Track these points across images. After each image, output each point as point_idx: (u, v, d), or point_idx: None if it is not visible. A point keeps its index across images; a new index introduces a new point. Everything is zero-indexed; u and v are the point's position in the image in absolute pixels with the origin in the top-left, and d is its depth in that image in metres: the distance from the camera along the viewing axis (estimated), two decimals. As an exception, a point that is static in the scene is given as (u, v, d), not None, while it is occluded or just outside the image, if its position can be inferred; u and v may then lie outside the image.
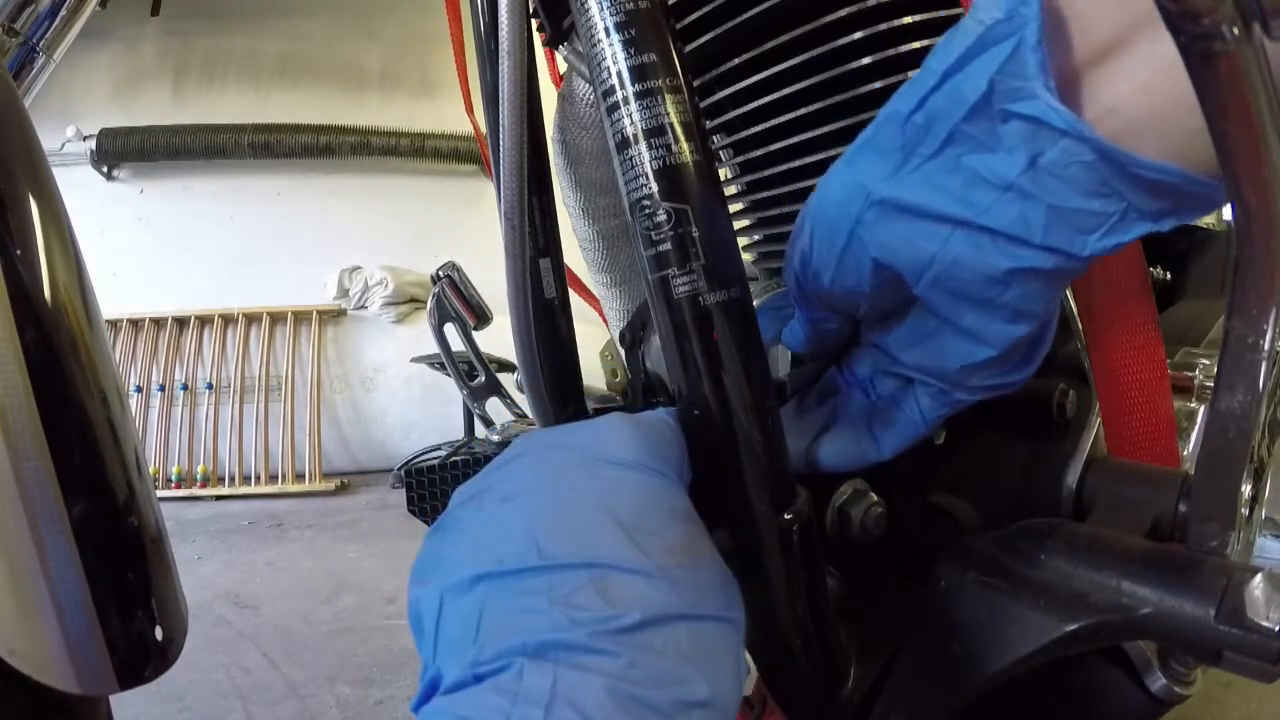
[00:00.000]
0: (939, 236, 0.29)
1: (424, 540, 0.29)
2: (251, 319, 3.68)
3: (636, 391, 0.51)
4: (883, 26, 0.42)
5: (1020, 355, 0.32)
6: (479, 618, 0.25)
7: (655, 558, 0.25)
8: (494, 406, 0.92)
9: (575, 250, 0.74)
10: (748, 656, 0.34)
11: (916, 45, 0.42)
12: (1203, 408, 0.50)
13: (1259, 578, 0.29)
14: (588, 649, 0.23)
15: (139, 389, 3.47)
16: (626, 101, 0.30)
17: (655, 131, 0.30)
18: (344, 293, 3.70)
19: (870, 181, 0.30)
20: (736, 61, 0.48)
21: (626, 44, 0.30)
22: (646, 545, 0.26)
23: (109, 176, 3.73)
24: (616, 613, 0.24)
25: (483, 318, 0.83)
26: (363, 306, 3.72)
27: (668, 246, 0.30)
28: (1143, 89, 0.25)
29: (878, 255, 0.30)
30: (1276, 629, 0.28)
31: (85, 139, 3.56)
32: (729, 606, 0.27)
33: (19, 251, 0.40)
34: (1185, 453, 0.47)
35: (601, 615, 0.24)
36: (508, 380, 0.85)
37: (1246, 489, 0.49)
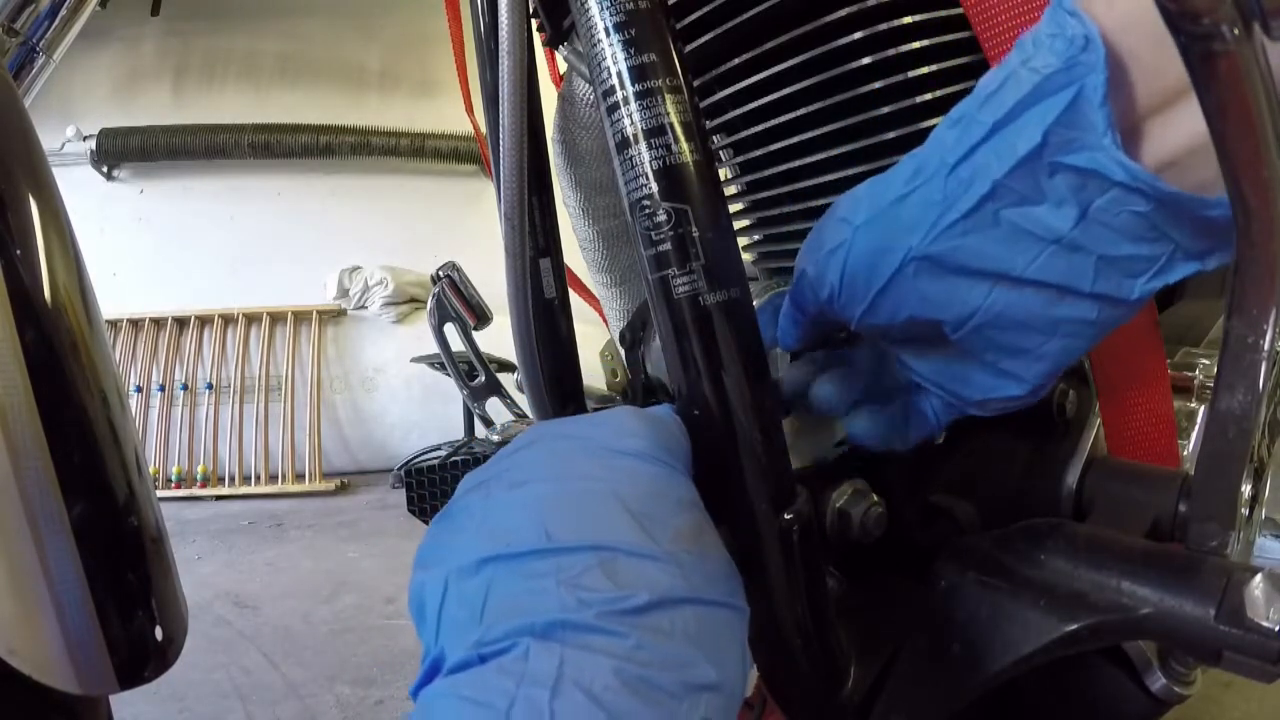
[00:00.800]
0: (981, 291, 0.29)
1: (429, 527, 0.29)
2: (251, 319, 3.68)
3: (636, 391, 0.51)
4: (883, 26, 0.42)
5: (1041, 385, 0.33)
6: (484, 599, 0.24)
7: (663, 543, 0.25)
8: (494, 406, 0.92)
9: (575, 250, 0.74)
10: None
11: (916, 45, 0.42)
12: (1203, 408, 0.50)
13: (1259, 578, 0.29)
14: (595, 629, 0.23)
15: (139, 389, 3.47)
16: (626, 101, 0.30)
17: (655, 131, 0.30)
18: (344, 293, 3.70)
19: (911, 235, 0.29)
20: (736, 61, 0.48)
21: (626, 44, 0.30)
22: (655, 531, 0.26)
23: (109, 176, 3.73)
24: (625, 594, 0.24)
25: (483, 318, 0.83)
26: (363, 306, 3.72)
27: (668, 246, 0.30)
28: (1204, 136, 0.24)
29: (916, 311, 0.30)
30: (1276, 629, 0.28)
31: (85, 139, 3.56)
32: (735, 594, 0.27)
33: (19, 251, 0.40)
34: (1185, 453, 0.47)
35: (609, 596, 0.24)
36: (508, 380, 0.85)
37: (1246, 489, 0.49)
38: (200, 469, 3.45)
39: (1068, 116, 0.26)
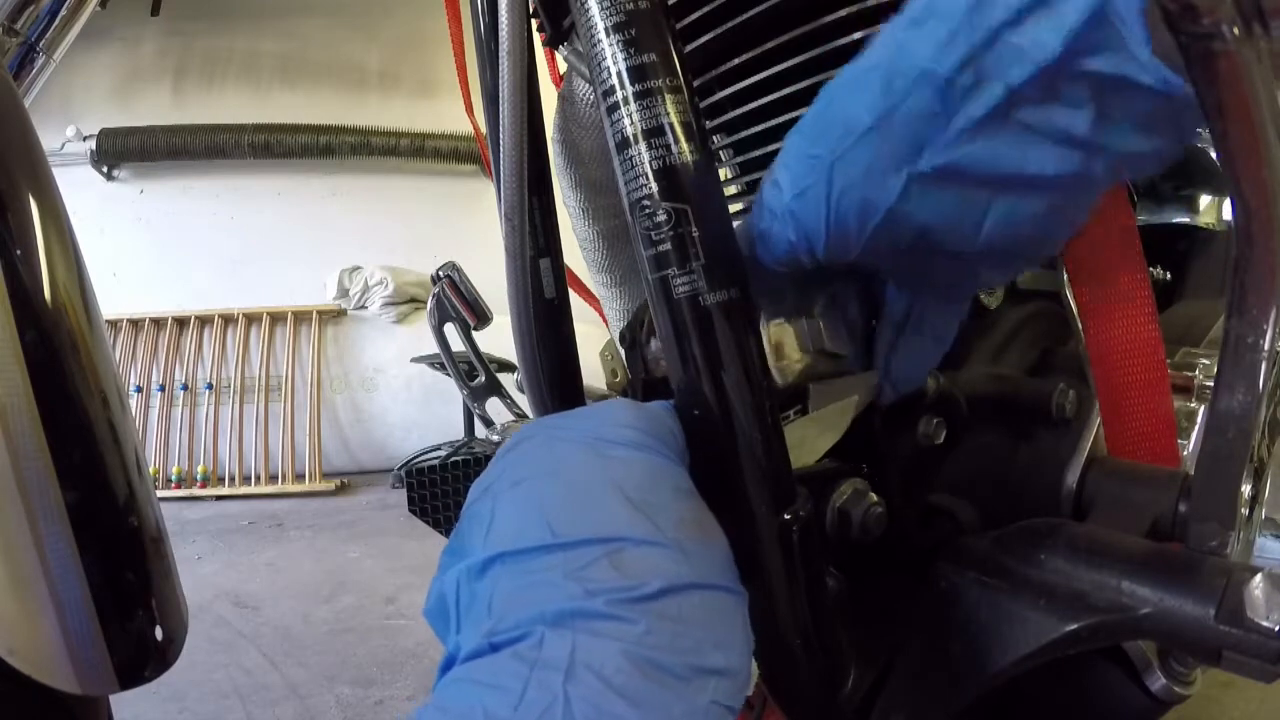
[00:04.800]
0: (985, 197, 0.29)
1: (448, 542, 0.30)
2: (251, 319, 3.68)
3: (637, 391, 0.51)
4: (882, 26, 0.42)
5: None
6: (492, 594, 0.25)
7: (668, 531, 0.26)
8: (494, 406, 0.92)
9: (575, 250, 0.74)
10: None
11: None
12: (1203, 408, 0.50)
13: (1259, 578, 0.29)
14: (606, 616, 0.23)
15: (139, 389, 3.47)
16: (626, 101, 0.30)
17: (655, 131, 0.30)
18: (344, 293, 3.70)
19: (910, 152, 0.28)
20: (736, 61, 0.48)
21: (626, 44, 0.30)
22: (659, 520, 0.26)
23: (109, 176, 3.73)
24: (633, 583, 0.24)
25: (483, 318, 0.83)
26: (363, 306, 3.72)
27: (668, 246, 0.30)
28: None
29: (922, 229, 0.29)
30: (1276, 629, 0.28)
31: (85, 139, 3.56)
32: (737, 580, 0.28)
33: (19, 251, 0.40)
34: (1185, 453, 0.47)
35: (618, 586, 0.24)
36: (508, 380, 0.85)
37: (1246, 489, 0.49)
38: (200, 469, 3.45)
39: (1093, 21, 0.24)
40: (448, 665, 0.25)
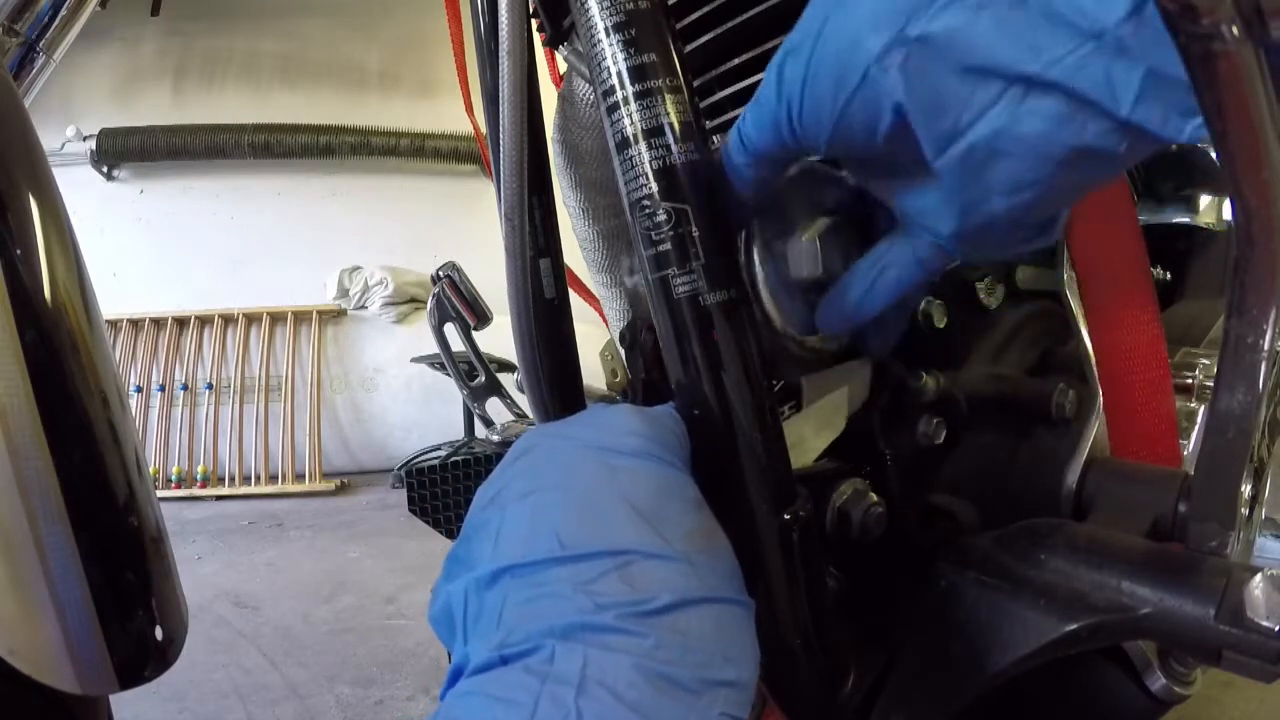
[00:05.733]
0: (984, 96, 0.23)
1: (451, 548, 0.30)
2: (251, 319, 3.68)
3: (637, 391, 0.51)
4: None
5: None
6: (502, 607, 0.25)
7: (676, 544, 0.26)
8: (494, 406, 0.92)
9: (575, 250, 0.74)
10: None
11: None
12: (1203, 408, 0.50)
13: (1259, 578, 0.29)
14: (615, 630, 0.23)
15: (139, 389, 3.47)
16: (626, 101, 0.31)
17: (655, 131, 0.30)
18: (344, 293, 3.70)
19: (896, 10, 0.24)
20: (736, 61, 0.48)
21: (626, 44, 0.30)
22: (667, 532, 0.26)
23: (109, 176, 3.73)
24: (643, 597, 0.24)
25: (483, 318, 0.84)
26: (363, 306, 3.72)
27: (668, 246, 0.30)
28: None
29: (906, 100, 0.24)
30: (1276, 629, 0.28)
31: (85, 139, 3.56)
32: (743, 590, 0.28)
33: (19, 251, 0.40)
34: (1185, 453, 0.47)
35: (627, 600, 0.24)
36: (508, 380, 0.85)
37: (1246, 489, 0.49)
38: (200, 469, 3.45)
39: None
40: (455, 675, 0.25)
